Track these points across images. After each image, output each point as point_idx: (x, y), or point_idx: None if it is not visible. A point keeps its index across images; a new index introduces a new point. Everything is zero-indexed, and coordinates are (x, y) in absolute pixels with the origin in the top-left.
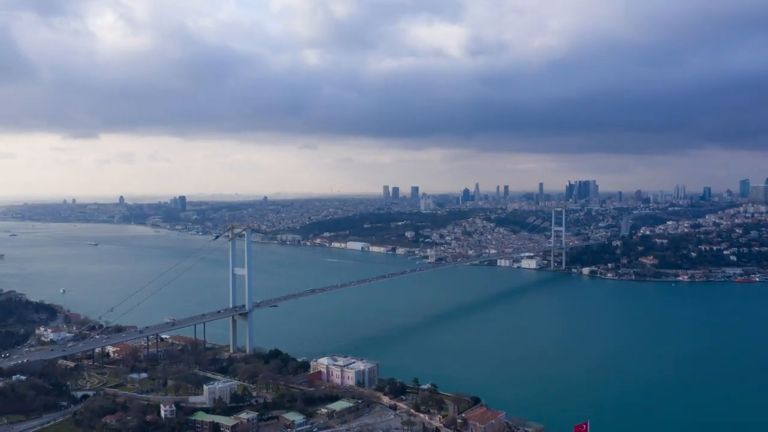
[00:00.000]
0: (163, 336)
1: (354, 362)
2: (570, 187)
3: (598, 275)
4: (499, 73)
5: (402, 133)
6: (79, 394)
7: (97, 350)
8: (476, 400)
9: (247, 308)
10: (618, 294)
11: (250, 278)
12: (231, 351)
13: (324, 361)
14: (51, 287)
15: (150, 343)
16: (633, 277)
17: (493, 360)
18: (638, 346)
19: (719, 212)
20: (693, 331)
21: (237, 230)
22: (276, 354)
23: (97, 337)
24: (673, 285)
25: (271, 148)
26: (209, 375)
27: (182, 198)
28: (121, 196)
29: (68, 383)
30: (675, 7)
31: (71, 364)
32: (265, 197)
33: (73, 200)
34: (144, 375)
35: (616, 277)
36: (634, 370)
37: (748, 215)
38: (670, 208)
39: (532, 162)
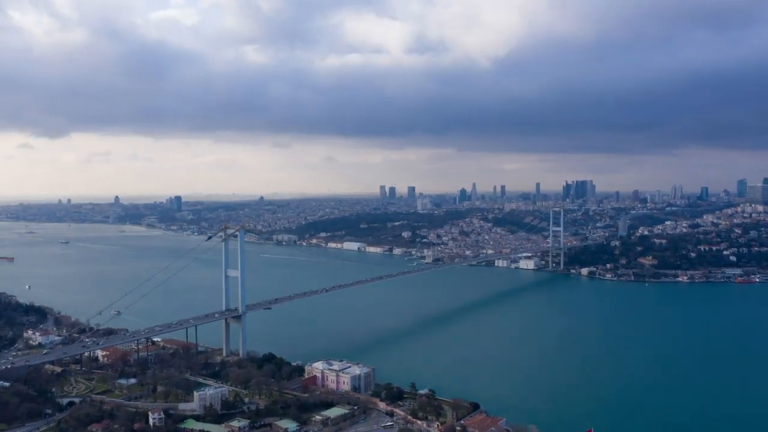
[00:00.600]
0: (155, 339)
1: (349, 366)
2: (567, 187)
3: (596, 276)
4: (451, 72)
5: (377, 133)
6: (65, 401)
7: (85, 354)
8: (475, 406)
9: (240, 311)
10: (618, 295)
11: (243, 280)
12: (224, 355)
13: (319, 365)
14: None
15: (140, 346)
16: (632, 277)
17: (493, 364)
18: (641, 349)
19: (717, 212)
20: (698, 333)
21: (230, 231)
22: (270, 358)
23: (87, 340)
24: (673, 285)
25: (248, 147)
26: (200, 380)
27: (178, 198)
28: (117, 196)
29: (53, 390)
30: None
31: (58, 369)
32: (262, 197)
33: (68, 200)
34: (133, 380)
35: (615, 278)
36: (638, 373)
37: (746, 215)
38: (667, 208)
39: (518, 162)
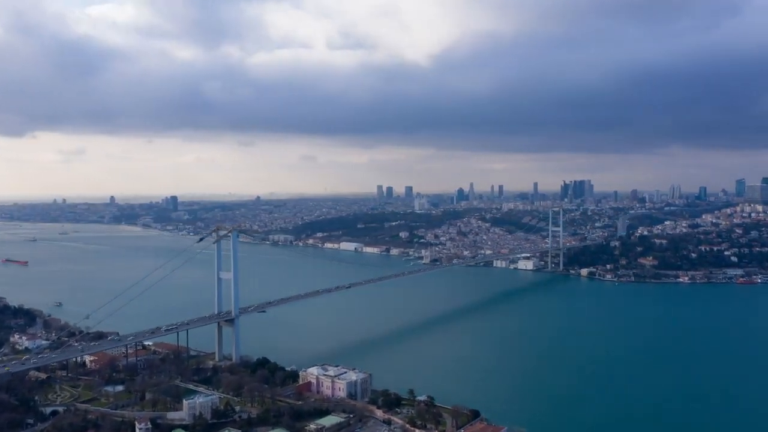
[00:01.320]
0: (147, 343)
1: (345, 372)
2: (565, 187)
3: (596, 277)
4: (394, 69)
5: (345, 132)
6: (48, 410)
7: (71, 360)
8: (476, 414)
9: (233, 314)
10: (619, 296)
11: (236, 282)
12: (216, 359)
13: (314, 371)
14: None
15: (129, 351)
16: (632, 278)
17: (493, 369)
18: (647, 353)
19: (716, 212)
20: (705, 336)
21: (222, 231)
22: (263, 363)
23: (76, 344)
24: (674, 286)
25: (216, 147)
26: (191, 387)
27: (174, 198)
28: (112, 196)
29: (36, 398)
30: None
31: (43, 376)
32: (258, 197)
33: (63, 200)
34: (120, 388)
35: (615, 279)
36: (644, 378)
37: (745, 215)
38: (666, 208)
39: (504, 162)
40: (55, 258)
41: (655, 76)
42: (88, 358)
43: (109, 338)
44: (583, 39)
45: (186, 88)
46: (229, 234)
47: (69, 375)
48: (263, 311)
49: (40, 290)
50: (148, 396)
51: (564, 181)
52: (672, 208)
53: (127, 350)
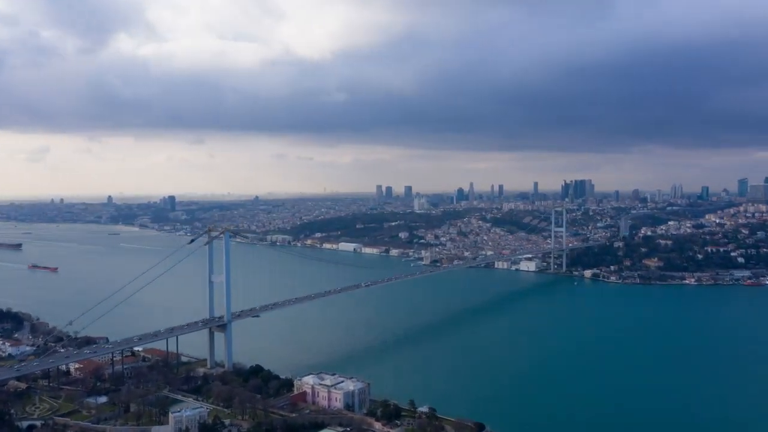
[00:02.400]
0: (137, 349)
1: (342, 381)
2: (565, 187)
3: (600, 278)
4: (300, 65)
5: (300, 130)
6: (25, 424)
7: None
8: (480, 427)
9: (225, 319)
10: (625, 299)
11: (228, 286)
12: (208, 366)
13: (309, 380)
14: None
15: (115, 359)
16: (637, 280)
17: (498, 377)
18: (659, 360)
19: (719, 212)
20: (720, 342)
21: (214, 233)
22: (256, 371)
23: (62, 351)
24: (680, 288)
25: (167, 145)
26: (179, 397)
27: (171, 198)
28: (110, 196)
29: (12, 411)
30: None
31: (23, 386)
32: (257, 197)
33: (61, 200)
34: (103, 399)
35: (620, 280)
36: (658, 388)
37: (749, 214)
38: (668, 208)
39: (483, 161)
40: (83, 261)
41: (596, 69)
42: (72, 366)
43: (97, 344)
44: (480, 34)
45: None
46: (221, 235)
47: (50, 384)
48: (257, 316)
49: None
50: (132, 408)
51: (564, 181)
52: (674, 208)
53: (113, 358)
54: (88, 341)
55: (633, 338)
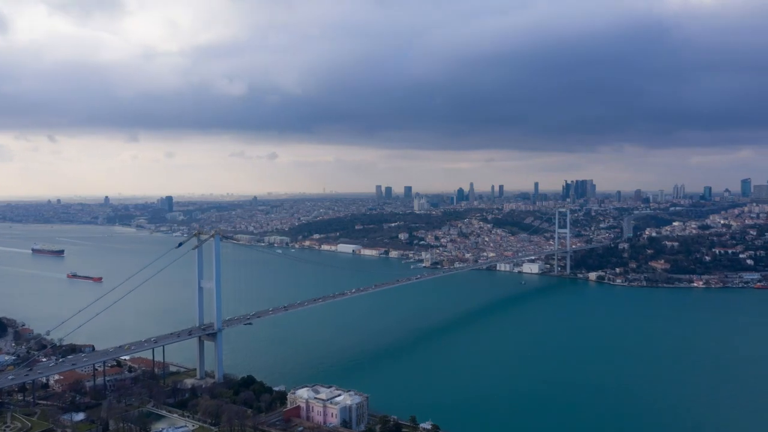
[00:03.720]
0: (125, 357)
1: (339, 395)
2: (567, 187)
3: (606, 281)
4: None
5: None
6: None
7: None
8: None
9: (215, 327)
10: (633, 303)
11: (218, 293)
12: (197, 376)
13: (303, 393)
14: None
15: (98, 370)
16: (644, 282)
17: (504, 389)
18: (678, 370)
19: (722, 212)
20: (745, 356)
21: (204, 236)
22: (248, 382)
23: (44, 360)
24: (688, 291)
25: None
26: (164, 412)
27: (169, 198)
28: (107, 197)
29: None
30: None
31: None
32: (255, 197)
33: (58, 200)
34: (81, 416)
35: (626, 283)
36: (678, 401)
37: (753, 215)
38: (671, 208)
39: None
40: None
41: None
42: (52, 378)
43: (81, 353)
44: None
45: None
46: (211, 238)
47: (26, 399)
48: (249, 323)
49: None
50: (112, 426)
51: (565, 181)
52: (677, 208)
53: (94, 369)
54: (73, 349)
55: (652, 350)
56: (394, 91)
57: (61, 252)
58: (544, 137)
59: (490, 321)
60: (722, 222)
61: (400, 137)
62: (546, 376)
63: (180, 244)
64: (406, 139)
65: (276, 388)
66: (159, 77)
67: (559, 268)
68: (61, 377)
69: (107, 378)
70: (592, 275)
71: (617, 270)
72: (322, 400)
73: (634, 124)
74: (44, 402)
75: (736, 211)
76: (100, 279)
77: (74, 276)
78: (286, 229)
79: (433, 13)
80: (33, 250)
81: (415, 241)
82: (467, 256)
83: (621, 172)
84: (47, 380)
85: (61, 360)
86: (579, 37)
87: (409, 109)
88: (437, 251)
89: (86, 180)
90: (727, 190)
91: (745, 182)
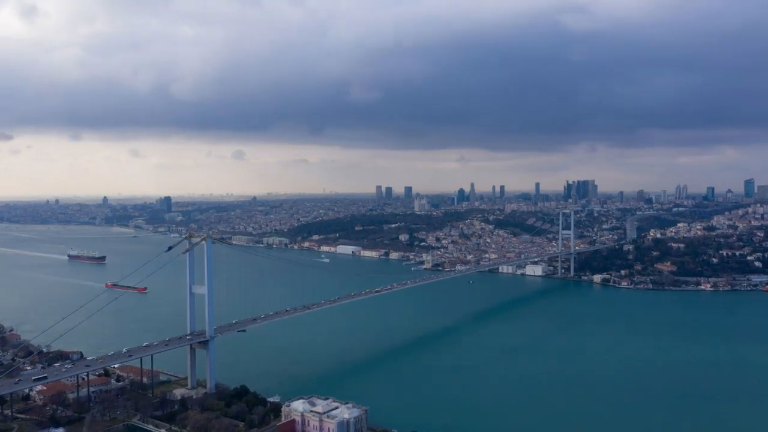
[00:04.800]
0: (114, 365)
1: (337, 407)
2: (568, 187)
3: (611, 283)
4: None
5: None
6: None
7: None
8: None
9: (207, 335)
10: (642, 306)
11: (210, 298)
12: (188, 386)
13: (299, 406)
14: None
15: (85, 379)
16: (650, 285)
17: (513, 397)
18: (700, 383)
19: (726, 213)
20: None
21: (195, 238)
22: (241, 393)
23: (28, 368)
24: (696, 294)
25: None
26: (150, 427)
27: (167, 198)
28: (105, 197)
29: None
30: None
31: None
32: (254, 197)
33: (56, 201)
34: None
35: (632, 286)
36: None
37: (758, 216)
38: (674, 209)
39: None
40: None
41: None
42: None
43: (69, 360)
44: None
45: None
46: (203, 242)
47: (4, 413)
48: (243, 330)
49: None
50: None
51: (567, 182)
52: (680, 209)
53: (77, 380)
54: (61, 356)
55: (663, 354)
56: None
57: (103, 258)
58: (510, 137)
59: (494, 325)
60: (727, 223)
61: (356, 136)
62: (561, 392)
63: (170, 248)
64: (365, 138)
65: (270, 399)
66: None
67: (563, 270)
68: (44, 388)
69: (92, 389)
70: (597, 277)
71: (622, 272)
72: (319, 413)
73: (593, 124)
74: (22, 416)
75: (741, 212)
76: (144, 289)
77: (115, 286)
78: (286, 230)
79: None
80: (69, 256)
81: (416, 243)
82: (469, 257)
83: (606, 171)
84: (29, 391)
85: (47, 370)
86: (504, 31)
87: (343, 106)
88: (438, 253)
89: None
90: (729, 191)
91: (749, 182)
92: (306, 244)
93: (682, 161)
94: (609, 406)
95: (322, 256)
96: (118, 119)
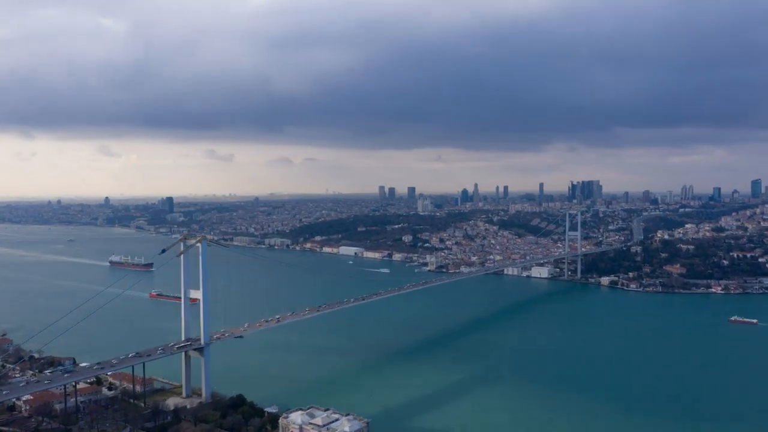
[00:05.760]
0: (107, 373)
1: (337, 419)
2: (573, 188)
3: (619, 286)
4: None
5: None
6: None
7: None
8: None
9: (202, 342)
10: (653, 310)
11: (206, 304)
12: (183, 395)
13: (297, 418)
14: None
15: (76, 388)
16: (659, 288)
17: (521, 410)
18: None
19: (734, 213)
20: None
21: (190, 241)
22: (238, 403)
23: (18, 376)
24: (707, 298)
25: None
26: None
27: (169, 199)
28: (107, 197)
29: None
30: None
31: None
32: (257, 198)
33: (58, 201)
34: None
35: (641, 289)
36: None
37: (766, 216)
38: (680, 210)
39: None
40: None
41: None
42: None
43: (61, 367)
44: None
45: None
46: (198, 244)
47: None
48: (240, 336)
49: None
50: None
51: (571, 182)
52: (687, 209)
53: (65, 389)
54: (52, 362)
55: (683, 363)
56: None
57: (150, 266)
58: (482, 135)
59: (500, 329)
60: (736, 224)
61: (312, 134)
62: (567, 392)
63: (163, 251)
64: (324, 137)
65: (268, 409)
66: None
67: (570, 273)
68: (30, 397)
69: (82, 399)
70: (605, 280)
71: (630, 275)
72: (318, 426)
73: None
74: (6, 429)
75: (748, 212)
76: (196, 300)
77: (160, 296)
78: (288, 231)
79: None
80: (111, 262)
81: (420, 244)
82: (473, 259)
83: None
84: (15, 401)
85: (33, 380)
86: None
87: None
88: (442, 254)
89: None
90: (735, 191)
91: (756, 183)
92: (308, 245)
93: (673, 161)
94: None
95: (381, 268)
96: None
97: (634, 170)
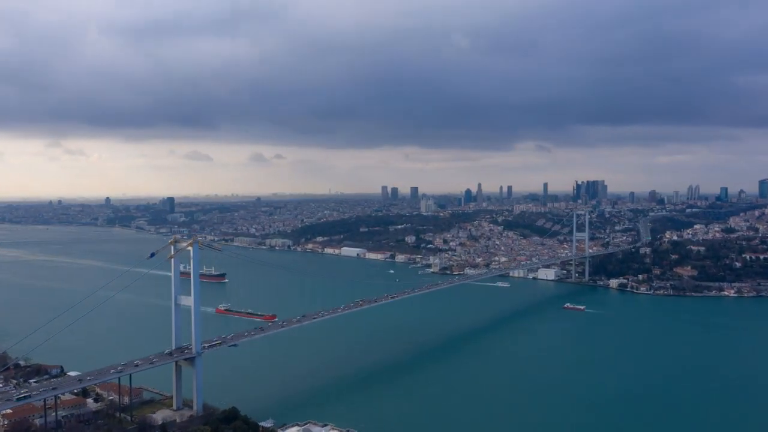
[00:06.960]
0: (95, 383)
1: None
2: (577, 188)
3: (628, 289)
4: None
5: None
6: None
7: None
8: None
9: (193, 351)
10: (666, 314)
11: (197, 311)
12: (174, 407)
13: None
14: None
15: (57, 400)
16: (670, 291)
17: (531, 423)
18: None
19: (742, 214)
20: None
21: (181, 243)
22: (231, 417)
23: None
24: (719, 301)
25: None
26: None
27: (170, 199)
28: (107, 197)
29: None
30: None
31: None
32: (259, 198)
33: (59, 201)
34: None
35: (651, 291)
36: None
37: None
38: (687, 210)
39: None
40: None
41: None
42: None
43: (48, 375)
44: None
45: None
46: (189, 247)
47: None
48: (234, 345)
49: None
50: None
51: (576, 182)
52: (694, 210)
53: (45, 403)
54: (39, 370)
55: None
56: None
57: (222, 276)
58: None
59: (508, 336)
60: (745, 224)
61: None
62: (581, 407)
63: (152, 254)
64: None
65: (262, 424)
66: None
67: (577, 275)
68: (9, 411)
69: (64, 413)
70: (613, 282)
71: (640, 277)
72: None
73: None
74: None
75: (757, 213)
76: (273, 317)
77: (228, 311)
78: (289, 231)
79: None
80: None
81: (423, 245)
82: (478, 260)
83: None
84: None
85: (14, 391)
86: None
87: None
88: (446, 255)
89: None
90: (742, 191)
91: (763, 183)
92: (310, 246)
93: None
94: None
95: (498, 282)
96: None
97: (618, 170)
